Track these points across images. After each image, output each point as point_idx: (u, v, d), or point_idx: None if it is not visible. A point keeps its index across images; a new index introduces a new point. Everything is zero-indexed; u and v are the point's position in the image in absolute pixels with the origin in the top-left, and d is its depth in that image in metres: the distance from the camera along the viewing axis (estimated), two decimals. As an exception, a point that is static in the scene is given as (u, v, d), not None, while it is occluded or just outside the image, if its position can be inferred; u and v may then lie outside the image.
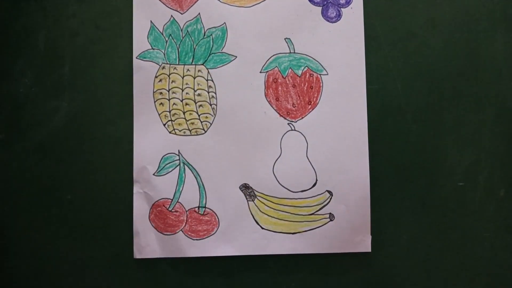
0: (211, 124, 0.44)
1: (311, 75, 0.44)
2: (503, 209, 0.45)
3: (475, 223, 0.45)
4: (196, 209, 0.43)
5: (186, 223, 0.43)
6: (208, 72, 0.44)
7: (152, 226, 0.43)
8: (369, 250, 0.44)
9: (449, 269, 0.44)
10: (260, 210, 0.43)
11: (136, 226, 0.43)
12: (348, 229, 0.43)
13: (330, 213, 0.43)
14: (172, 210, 0.43)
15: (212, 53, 0.44)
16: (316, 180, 0.44)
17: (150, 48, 0.44)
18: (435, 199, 0.45)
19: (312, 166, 0.44)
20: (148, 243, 0.43)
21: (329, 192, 0.43)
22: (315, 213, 0.43)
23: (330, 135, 0.44)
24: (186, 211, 0.43)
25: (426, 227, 0.45)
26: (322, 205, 0.43)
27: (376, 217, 0.44)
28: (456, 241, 0.45)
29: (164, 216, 0.43)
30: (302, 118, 0.44)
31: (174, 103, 0.44)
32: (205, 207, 0.43)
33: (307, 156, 0.44)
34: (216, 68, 0.44)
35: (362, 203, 0.43)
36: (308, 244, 0.43)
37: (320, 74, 0.44)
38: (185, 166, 0.44)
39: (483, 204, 0.45)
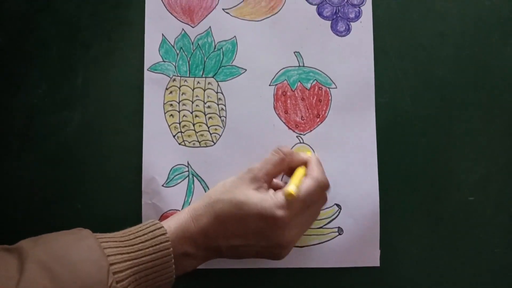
0: (220, 136, 0.44)
1: (320, 88, 0.44)
2: (514, 224, 0.44)
3: (486, 238, 0.44)
4: (205, 220, 0.44)
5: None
6: (218, 84, 0.44)
7: (161, 237, 0.43)
8: (378, 264, 0.43)
9: (459, 285, 0.44)
10: (268, 223, 0.43)
11: (145, 237, 0.43)
12: (357, 243, 0.43)
13: (338, 227, 0.43)
14: (181, 222, 0.43)
15: (222, 66, 0.44)
16: (325, 193, 0.43)
17: (161, 60, 0.45)
18: (445, 213, 0.44)
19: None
20: (156, 254, 0.43)
21: (338, 205, 0.43)
22: (324, 227, 0.43)
23: (338, 148, 0.44)
24: (195, 223, 0.43)
25: (436, 242, 0.44)
26: (331, 218, 0.43)
27: (385, 231, 0.43)
28: (466, 257, 0.44)
29: (172, 227, 0.43)
30: (311, 131, 0.44)
31: (184, 115, 0.44)
32: (213, 218, 0.43)
33: (315, 169, 0.44)
34: (226, 81, 0.44)
35: (371, 217, 0.43)
36: (317, 258, 0.43)
37: (329, 88, 0.44)
38: (194, 177, 0.44)
39: (494, 219, 0.44)
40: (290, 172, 0.40)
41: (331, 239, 0.43)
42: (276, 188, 0.39)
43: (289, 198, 0.35)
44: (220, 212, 0.35)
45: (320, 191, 0.38)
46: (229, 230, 0.35)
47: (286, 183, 0.38)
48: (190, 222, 0.35)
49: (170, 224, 0.35)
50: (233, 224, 0.35)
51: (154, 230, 0.34)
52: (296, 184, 0.36)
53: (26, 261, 0.29)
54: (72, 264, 0.30)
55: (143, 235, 0.34)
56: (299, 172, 0.38)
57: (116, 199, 0.44)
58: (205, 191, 0.44)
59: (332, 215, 0.43)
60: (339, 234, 0.43)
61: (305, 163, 0.39)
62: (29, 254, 0.30)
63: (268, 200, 0.35)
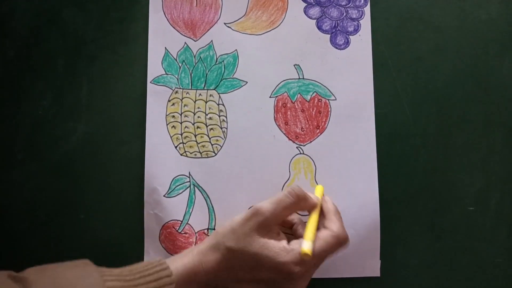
0: (221, 147, 0.45)
1: (320, 100, 0.45)
2: (515, 235, 0.44)
3: (486, 248, 0.44)
4: (206, 231, 0.44)
5: (195, 245, 0.44)
6: (220, 96, 0.45)
7: (163, 247, 0.44)
8: (378, 274, 0.43)
9: (460, 296, 0.44)
10: (268, 233, 0.44)
11: (147, 247, 0.44)
12: (357, 254, 0.43)
13: (338, 237, 0.43)
14: (182, 232, 0.44)
15: (224, 79, 0.45)
16: (325, 203, 0.44)
17: (164, 73, 0.46)
18: (445, 223, 0.44)
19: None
20: (158, 264, 0.44)
21: (338, 216, 0.44)
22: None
23: (338, 159, 0.44)
24: (196, 233, 0.44)
25: (436, 252, 0.44)
26: (331, 229, 0.43)
27: (385, 242, 0.44)
28: (467, 267, 0.44)
29: (173, 238, 0.44)
30: (311, 142, 0.45)
31: (186, 126, 0.45)
32: (214, 229, 0.44)
33: (315, 179, 0.44)
34: (227, 93, 0.45)
35: (372, 228, 0.43)
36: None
37: (328, 99, 0.45)
38: (195, 188, 0.44)
39: (494, 229, 0.44)
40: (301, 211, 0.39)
41: (331, 250, 0.43)
42: (291, 224, 0.39)
43: (305, 258, 0.34)
44: (230, 260, 0.35)
45: (338, 247, 0.36)
46: (240, 277, 0.35)
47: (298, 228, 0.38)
48: (198, 265, 0.35)
49: (178, 266, 0.35)
50: (245, 273, 0.34)
51: (160, 271, 0.34)
52: (312, 239, 0.35)
53: None
54: None
55: (148, 275, 0.33)
56: (313, 222, 0.37)
57: (119, 209, 0.45)
58: (206, 202, 0.44)
59: (332, 226, 0.43)
60: (339, 244, 0.43)
61: (316, 206, 0.39)
62: (33, 285, 0.30)
63: (284, 255, 0.34)
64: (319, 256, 0.35)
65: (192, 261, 0.35)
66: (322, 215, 0.39)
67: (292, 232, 0.40)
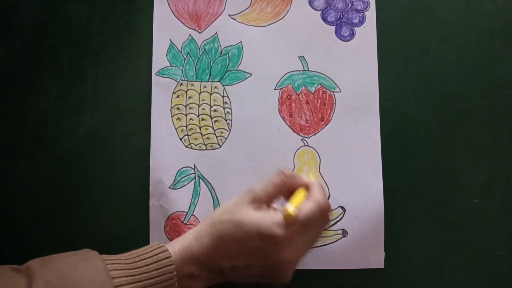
0: (226, 139, 0.45)
1: (324, 92, 0.45)
2: (520, 227, 0.44)
3: (491, 240, 0.44)
4: (210, 222, 0.44)
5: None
6: (224, 88, 0.45)
7: (168, 238, 0.44)
8: (383, 266, 0.43)
9: (464, 287, 0.44)
10: (273, 225, 0.44)
11: (153, 238, 0.44)
12: (361, 245, 0.43)
13: (343, 229, 0.44)
14: (187, 223, 0.44)
15: (228, 71, 0.45)
16: (329, 195, 0.44)
17: (169, 65, 0.46)
18: (450, 215, 0.44)
19: (325, 181, 0.44)
20: (163, 255, 0.44)
21: (342, 208, 0.44)
22: (328, 229, 0.44)
23: (343, 151, 0.44)
24: (201, 224, 0.44)
25: (441, 244, 0.44)
26: (335, 220, 0.44)
27: (389, 233, 0.44)
28: (471, 259, 0.44)
29: (179, 229, 0.44)
30: (315, 134, 0.45)
31: (190, 118, 0.45)
32: (219, 220, 0.44)
33: (320, 171, 0.44)
34: (231, 85, 0.45)
35: (376, 219, 0.43)
36: (321, 260, 0.43)
37: (333, 91, 0.45)
38: (200, 179, 0.45)
39: (499, 222, 0.44)
40: (290, 194, 0.39)
41: (335, 241, 0.43)
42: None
43: (288, 218, 0.34)
44: (221, 232, 0.36)
45: (322, 214, 0.37)
46: (231, 250, 0.35)
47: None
48: (193, 243, 0.36)
49: (175, 246, 0.36)
50: (234, 244, 0.35)
51: (159, 253, 0.35)
52: (295, 205, 0.36)
53: (34, 280, 0.30)
54: (78, 285, 0.31)
55: (148, 257, 0.34)
56: (299, 193, 0.38)
57: (125, 200, 0.45)
58: (211, 193, 0.44)
59: (336, 217, 0.44)
60: (344, 236, 0.44)
61: (306, 186, 0.39)
62: (37, 273, 0.31)
63: (267, 218, 0.35)
64: (303, 221, 0.35)
65: (188, 240, 0.36)
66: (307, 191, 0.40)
67: None
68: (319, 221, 0.37)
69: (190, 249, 0.36)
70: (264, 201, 0.37)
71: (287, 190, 0.39)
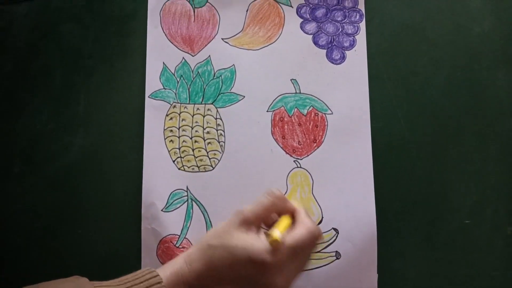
0: (219, 161, 0.45)
1: (316, 114, 0.45)
2: (511, 246, 0.44)
3: (483, 261, 0.44)
4: (203, 245, 0.44)
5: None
6: (217, 111, 0.46)
7: (160, 262, 0.44)
8: (376, 287, 0.44)
9: (457, 309, 0.44)
10: (266, 247, 0.44)
11: (144, 262, 0.44)
12: (355, 267, 0.43)
13: (336, 251, 0.44)
14: (179, 246, 0.44)
15: (221, 93, 0.46)
16: (322, 217, 0.44)
17: (162, 87, 0.46)
18: (442, 236, 0.45)
19: (318, 203, 0.44)
20: (155, 279, 0.43)
21: (335, 229, 0.44)
22: (322, 251, 0.44)
23: (335, 172, 0.45)
24: (193, 247, 0.44)
25: (433, 265, 0.44)
26: (328, 243, 0.44)
27: (382, 255, 0.44)
28: (463, 280, 0.44)
29: (171, 252, 0.44)
30: (308, 155, 0.45)
31: (183, 141, 0.45)
32: (212, 243, 0.44)
33: (312, 193, 0.44)
34: (224, 107, 0.46)
35: (369, 241, 0.43)
36: (315, 282, 0.43)
37: (325, 113, 0.46)
38: (193, 202, 0.44)
39: (490, 242, 0.45)
40: (280, 215, 0.39)
41: (329, 263, 0.43)
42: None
43: (274, 244, 0.34)
44: (212, 257, 0.35)
45: (311, 238, 0.37)
46: (222, 275, 0.35)
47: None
48: (184, 267, 0.36)
49: (166, 270, 0.35)
50: (225, 269, 0.35)
51: (150, 278, 0.34)
52: (281, 230, 0.36)
53: None
54: None
55: (139, 283, 0.34)
56: (284, 219, 0.38)
57: (116, 224, 0.45)
58: (204, 216, 0.44)
59: (329, 239, 0.44)
60: (337, 258, 0.44)
61: (293, 212, 0.39)
62: None
63: (257, 244, 0.35)
64: (292, 246, 0.35)
65: (179, 264, 0.36)
66: (294, 219, 0.39)
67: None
68: (309, 245, 0.37)
69: (181, 274, 0.35)
70: (254, 223, 0.37)
71: (276, 212, 0.39)
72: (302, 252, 0.37)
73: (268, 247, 0.34)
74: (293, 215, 0.39)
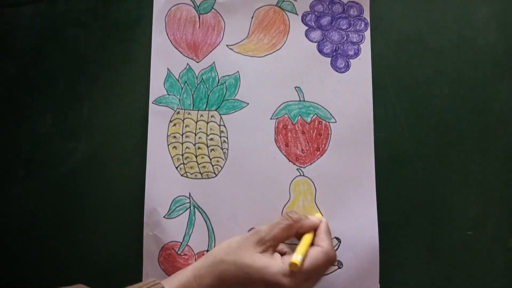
0: (222, 168, 0.45)
1: (320, 122, 0.45)
2: (513, 259, 0.44)
3: (484, 272, 0.44)
4: (205, 252, 0.44)
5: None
6: (221, 117, 0.45)
7: (161, 269, 0.43)
8: (378, 298, 0.43)
9: (459, 321, 0.44)
10: (268, 255, 0.43)
11: (146, 269, 0.44)
12: (357, 277, 0.43)
13: (338, 261, 0.43)
14: (181, 254, 0.44)
15: (225, 100, 0.46)
16: (325, 226, 0.44)
17: (166, 93, 0.46)
18: (444, 247, 0.44)
19: (320, 212, 0.44)
20: (156, 286, 0.43)
21: (337, 239, 0.44)
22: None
23: (338, 181, 0.44)
24: (195, 255, 0.44)
25: (435, 276, 0.44)
26: (330, 252, 0.44)
27: (384, 265, 0.44)
28: (465, 292, 0.44)
29: (173, 259, 0.43)
30: (311, 164, 0.45)
31: (187, 147, 0.45)
32: (213, 250, 0.44)
33: (315, 201, 0.44)
34: (228, 114, 0.46)
35: (371, 250, 0.43)
36: (316, 291, 0.43)
37: (328, 122, 0.45)
38: (195, 209, 0.44)
39: (492, 254, 0.44)
40: (298, 236, 0.40)
41: (331, 273, 0.43)
42: (282, 253, 0.39)
43: (293, 268, 0.34)
44: (223, 273, 0.35)
45: (327, 264, 0.37)
46: None
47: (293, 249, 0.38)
48: (192, 281, 0.35)
49: (172, 283, 0.35)
50: (236, 286, 0.35)
51: None
52: (302, 253, 0.36)
53: None
54: None
55: None
56: (306, 240, 0.38)
57: (118, 230, 0.45)
58: (206, 223, 0.44)
59: (331, 249, 0.44)
60: (339, 267, 0.43)
61: (314, 228, 0.39)
62: None
63: (274, 266, 0.35)
64: (308, 271, 0.35)
65: (186, 277, 0.35)
66: (315, 236, 0.40)
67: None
68: (324, 268, 0.37)
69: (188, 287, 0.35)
70: (270, 244, 0.37)
71: (294, 234, 0.39)
72: (316, 274, 0.37)
73: (285, 270, 0.34)
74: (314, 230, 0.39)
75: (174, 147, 0.45)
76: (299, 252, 0.36)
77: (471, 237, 0.44)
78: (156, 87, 0.46)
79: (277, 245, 0.38)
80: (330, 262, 0.37)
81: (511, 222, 0.45)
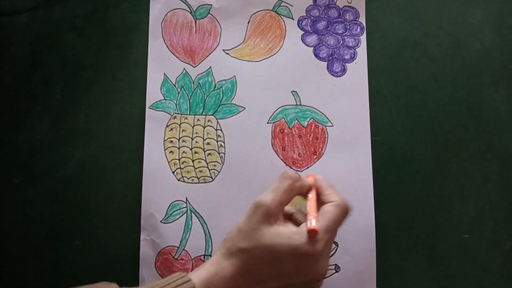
0: (219, 172, 0.45)
1: (317, 126, 0.46)
2: (509, 262, 0.44)
3: (481, 275, 0.44)
4: (202, 257, 0.44)
5: (191, 271, 0.43)
6: (218, 122, 0.46)
7: (158, 273, 0.43)
8: (375, 302, 0.43)
9: (457, 324, 0.44)
10: (265, 259, 0.43)
11: (142, 273, 0.43)
12: (354, 281, 0.43)
13: (335, 264, 0.43)
14: (178, 258, 0.44)
15: (222, 104, 0.46)
16: (322, 230, 0.44)
17: (163, 98, 0.46)
18: (441, 251, 0.44)
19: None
20: (153, 291, 0.43)
21: (335, 243, 0.44)
22: (321, 264, 0.43)
23: (335, 185, 0.44)
24: (192, 259, 0.44)
25: (433, 279, 0.44)
26: (328, 256, 0.43)
27: (381, 269, 0.44)
28: (463, 295, 0.44)
29: (170, 264, 0.43)
30: (308, 167, 0.45)
31: (183, 151, 0.45)
32: (210, 255, 0.44)
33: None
34: (225, 118, 0.46)
35: (368, 254, 0.43)
36: (313, 296, 0.43)
37: (325, 126, 0.46)
38: (192, 213, 0.44)
39: (489, 257, 0.44)
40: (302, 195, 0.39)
41: (328, 277, 0.43)
42: (289, 214, 0.38)
43: (313, 235, 0.33)
44: (246, 261, 0.33)
45: (345, 215, 0.36)
46: (261, 276, 0.33)
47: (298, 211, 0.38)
48: (214, 276, 0.33)
49: (200, 276, 0.33)
50: (264, 269, 0.33)
51: (183, 283, 0.32)
52: (315, 216, 0.35)
53: None
54: None
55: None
56: (313, 202, 0.37)
57: (115, 235, 0.45)
58: (203, 227, 0.44)
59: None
60: (336, 271, 0.43)
61: (311, 187, 0.38)
62: None
63: (296, 237, 0.33)
64: (329, 228, 0.34)
65: (206, 272, 0.34)
66: (318, 194, 0.39)
67: (293, 223, 0.38)
68: (341, 221, 0.36)
69: (211, 282, 0.33)
70: (279, 210, 0.35)
71: (297, 193, 0.37)
72: (336, 230, 0.36)
73: (307, 238, 0.33)
74: (308, 191, 0.38)
75: (171, 151, 0.45)
76: (312, 216, 0.35)
77: (468, 240, 0.45)
78: (153, 92, 0.46)
79: (283, 210, 0.36)
80: (345, 212, 0.36)
81: (508, 225, 0.45)
